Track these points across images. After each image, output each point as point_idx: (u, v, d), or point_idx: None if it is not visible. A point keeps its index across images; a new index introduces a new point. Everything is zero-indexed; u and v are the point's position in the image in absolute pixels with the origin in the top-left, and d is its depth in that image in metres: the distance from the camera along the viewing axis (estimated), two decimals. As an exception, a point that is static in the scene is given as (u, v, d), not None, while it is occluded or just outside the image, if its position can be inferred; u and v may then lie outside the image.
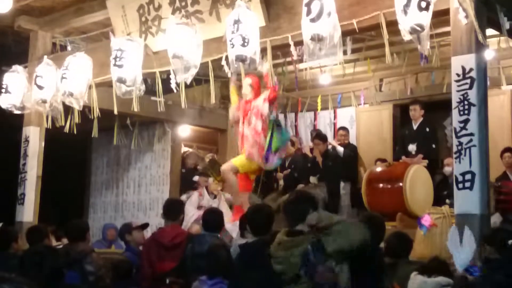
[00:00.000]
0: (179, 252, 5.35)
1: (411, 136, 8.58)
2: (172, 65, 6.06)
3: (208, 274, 4.48)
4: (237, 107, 7.58)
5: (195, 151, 10.47)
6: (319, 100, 10.34)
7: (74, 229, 5.69)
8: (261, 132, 7.13)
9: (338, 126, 10.09)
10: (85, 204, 11.21)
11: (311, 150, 9.86)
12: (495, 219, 6.28)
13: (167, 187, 10.11)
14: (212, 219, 5.46)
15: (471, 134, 4.77)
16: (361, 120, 10.03)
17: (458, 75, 4.92)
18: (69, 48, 8.60)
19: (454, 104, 4.92)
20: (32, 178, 8.17)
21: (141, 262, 5.61)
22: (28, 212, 8.05)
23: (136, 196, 10.54)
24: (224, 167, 7.61)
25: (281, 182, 9.38)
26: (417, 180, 7.30)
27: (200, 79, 7.29)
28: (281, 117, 10.20)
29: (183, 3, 6.44)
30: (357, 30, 5.55)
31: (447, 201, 6.78)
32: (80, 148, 11.09)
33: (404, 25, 4.78)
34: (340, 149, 9.22)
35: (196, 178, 8.92)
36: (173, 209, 5.85)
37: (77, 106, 7.18)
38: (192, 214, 8.03)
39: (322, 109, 10.40)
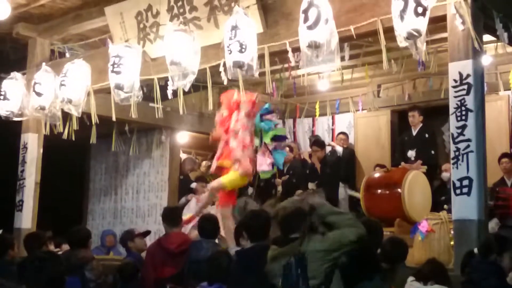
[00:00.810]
0: (183, 259, 5.37)
1: (410, 142, 8.57)
2: (170, 71, 6.08)
3: (208, 280, 4.48)
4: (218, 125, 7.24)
5: (191, 156, 10.46)
6: (317, 106, 10.36)
7: (76, 236, 5.71)
8: (249, 145, 6.87)
9: (336, 132, 10.11)
10: (84, 210, 11.17)
11: (310, 156, 9.87)
12: (493, 224, 6.29)
13: (166, 193, 10.08)
14: (208, 225, 5.51)
15: (469, 140, 4.79)
16: (359, 126, 10.03)
17: (455, 81, 4.94)
18: (67, 55, 8.62)
19: (451, 110, 4.94)
20: (30, 185, 8.18)
21: (144, 267, 5.62)
22: (26, 218, 8.05)
23: (134, 203, 10.51)
24: (213, 184, 7.23)
25: (280, 188, 9.39)
26: (415, 186, 7.28)
27: (198, 86, 7.28)
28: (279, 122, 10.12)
29: (181, 10, 6.46)
30: (355, 37, 5.57)
31: (445, 206, 6.77)
32: (79, 155, 11.07)
33: (401, 31, 4.80)
34: (339, 149, 9.29)
35: (194, 185, 8.92)
36: (173, 216, 5.88)
37: (75, 113, 7.20)
38: (190, 220, 8.01)
39: (320, 115, 10.42)
